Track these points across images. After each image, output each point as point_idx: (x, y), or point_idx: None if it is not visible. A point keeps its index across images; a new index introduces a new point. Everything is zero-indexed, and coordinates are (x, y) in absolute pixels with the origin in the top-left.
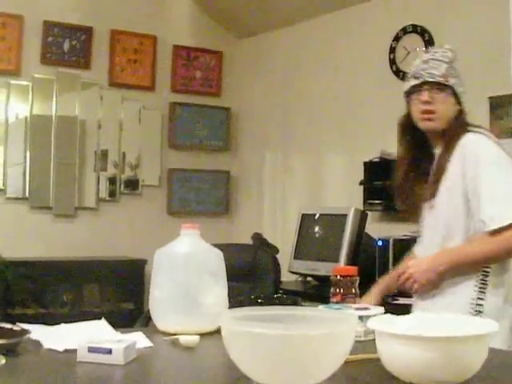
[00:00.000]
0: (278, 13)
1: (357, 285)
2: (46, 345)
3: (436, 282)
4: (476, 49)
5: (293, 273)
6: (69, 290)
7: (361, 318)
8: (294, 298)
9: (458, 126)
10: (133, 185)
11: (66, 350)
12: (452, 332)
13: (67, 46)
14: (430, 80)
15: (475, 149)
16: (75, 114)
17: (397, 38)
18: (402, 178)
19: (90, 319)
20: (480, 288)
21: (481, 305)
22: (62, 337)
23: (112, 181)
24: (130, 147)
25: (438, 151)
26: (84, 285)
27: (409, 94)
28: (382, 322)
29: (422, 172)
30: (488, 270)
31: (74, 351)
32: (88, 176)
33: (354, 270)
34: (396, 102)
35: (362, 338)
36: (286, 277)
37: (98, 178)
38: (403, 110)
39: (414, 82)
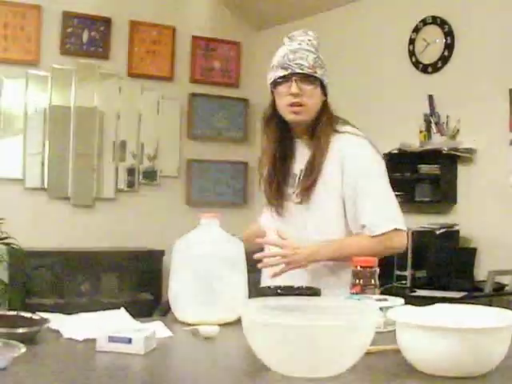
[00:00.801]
0: (297, 4)
1: (377, 276)
2: (66, 334)
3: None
4: (496, 41)
5: None
6: (87, 281)
7: (381, 309)
8: (315, 288)
9: (327, 121)
10: (151, 175)
11: (86, 340)
12: (475, 323)
13: (86, 37)
14: (299, 71)
15: (355, 155)
16: (94, 104)
17: (416, 30)
18: (270, 173)
19: (108, 309)
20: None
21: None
22: (81, 326)
23: (130, 171)
24: (148, 138)
25: (299, 141)
26: (102, 275)
27: (275, 84)
28: (403, 313)
29: (288, 165)
30: None
31: (94, 340)
32: (106, 167)
33: (374, 260)
34: (415, 93)
35: (382, 330)
36: None
37: (117, 168)
38: (423, 101)
39: (281, 72)
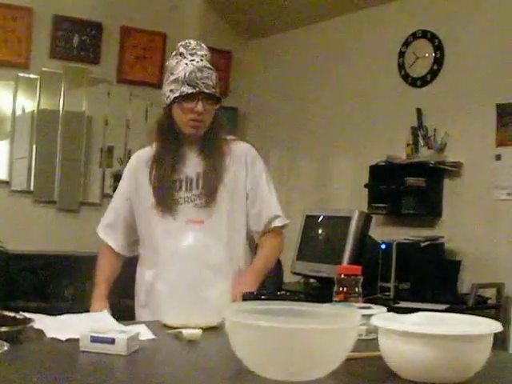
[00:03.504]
0: (287, 15)
1: (360, 284)
2: (49, 334)
3: None
4: (485, 56)
5: (295, 274)
6: (71, 285)
7: (363, 316)
8: (298, 295)
9: (219, 131)
10: None
11: (69, 340)
12: (456, 330)
13: (76, 41)
14: (206, 91)
15: (255, 158)
16: (82, 109)
17: (406, 43)
18: (161, 178)
19: None
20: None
21: None
22: (65, 326)
23: (117, 177)
24: (135, 144)
25: (188, 147)
26: (86, 280)
27: (179, 99)
28: (385, 320)
29: (176, 170)
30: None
31: (77, 340)
32: (93, 172)
33: (358, 269)
34: (404, 106)
35: (364, 337)
36: (289, 278)
37: (103, 174)
38: (411, 114)
39: (189, 89)
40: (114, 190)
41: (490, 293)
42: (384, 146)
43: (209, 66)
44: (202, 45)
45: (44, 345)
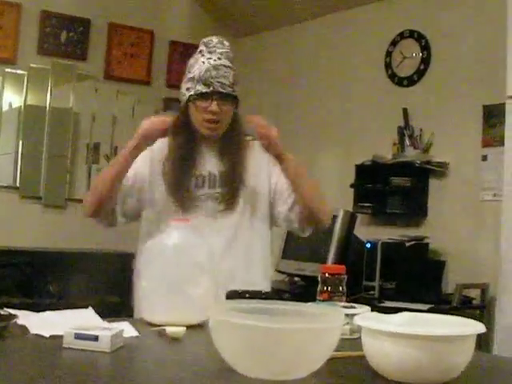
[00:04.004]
0: (275, 13)
1: (344, 283)
2: (33, 330)
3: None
4: (472, 56)
5: (280, 272)
6: (56, 281)
7: (347, 315)
8: (282, 295)
9: (239, 131)
10: None
11: (53, 336)
12: (439, 331)
13: (64, 37)
14: (221, 90)
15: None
16: (69, 105)
17: (394, 43)
18: (177, 174)
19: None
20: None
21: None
22: (48, 323)
23: None
24: (122, 141)
25: (205, 145)
26: (71, 276)
27: (193, 97)
28: (369, 319)
29: (193, 167)
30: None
31: (61, 337)
32: (79, 168)
33: (342, 268)
34: (390, 105)
35: (348, 336)
36: (274, 276)
37: (90, 170)
38: (398, 114)
39: (203, 88)
40: None
41: (474, 293)
42: (370, 145)
43: (227, 64)
44: (224, 42)
45: (28, 341)
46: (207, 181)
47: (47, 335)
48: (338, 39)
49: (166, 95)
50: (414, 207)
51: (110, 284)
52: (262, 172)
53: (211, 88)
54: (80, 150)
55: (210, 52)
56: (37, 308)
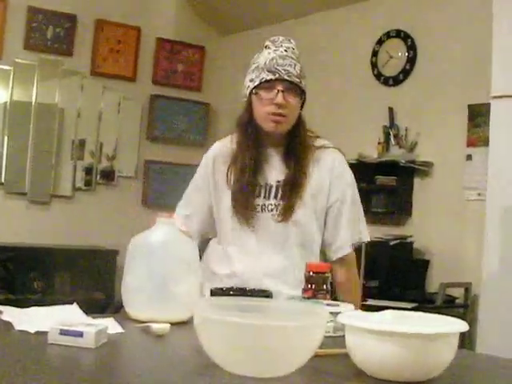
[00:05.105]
0: (262, 11)
1: (329, 282)
2: (18, 326)
3: None
4: (457, 57)
5: None
6: (40, 278)
7: (331, 313)
8: (267, 291)
9: (305, 135)
10: (109, 175)
11: (38, 332)
12: (422, 329)
13: (51, 33)
14: (287, 78)
15: (342, 173)
16: (55, 101)
17: (380, 42)
18: (240, 181)
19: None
20: None
21: None
22: (33, 319)
23: (88, 170)
24: (107, 137)
25: (272, 150)
26: (56, 273)
27: (257, 88)
28: (352, 317)
29: (257, 174)
30: None
31: (46, 333)
32: (64, 164)
33: (326, 266)
34: (376, 104)
35: (332, 334)
36: None
37: (75, 166)
38: (383, 113)
39: (268, 75)
40: (86, 184)
41: (458, 292)
42: (355, 144)
43: (293, 56)
44: (291, 40)
45: (12, 337)
46: (266, 191)
47: (32, 331)
48: (325, 38)
49: (151, 92)
50: (399, 206)
51: (94, 280)
52: (324, 184)
53: (277, 75)
54: (65, 146)
55: (276, 46)
56: (21, 304)
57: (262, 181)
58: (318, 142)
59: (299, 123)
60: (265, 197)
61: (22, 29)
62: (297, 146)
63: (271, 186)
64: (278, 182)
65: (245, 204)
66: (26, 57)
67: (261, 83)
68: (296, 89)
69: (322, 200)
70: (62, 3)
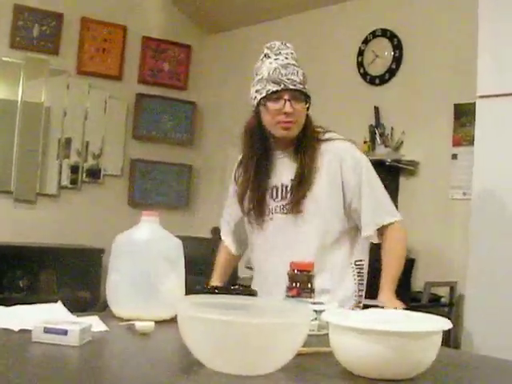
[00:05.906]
0: (248, 10)
1: (313, 280)
2: (1, 324)
3: None
4: (443, 56)
5: (249, 268)
6: (25, 276)
7: (316, 312)
8: (251, 289)
9: (312, 134)
10: (95, 174)
11: (22, 330)
12: (405, 327)
13: (37, 31)
14: (292, 87)
15: (354, 158)
16: (41, 100)
17: (366, 41)
18: (252, 187)
19: None
20: (359, 281)
21: (361, 295)
22: (17, 317)
23: (74, 169)
24: (93, 136)
25: (281, 153)
26: (41, 271)
27: (264, 99)
28: (337, 316)
29: (268, 178)
30: (362, 262)
31: (30, 331)
32: (50, 163)
33: (311, 265)
34: (362, 104)
35: (316, 332)
36: (243, 272)
37: (61, 165)
38: (369, 112)
39: (273, 87)
40: (72, 182)
41: (443, 291)
42: None
43: (294, 63)
44: (288, 44)
45: None
46: (280, 192)
47: (16, 329)
48: (311, 37)
49: (137, 91)
50: None
51: (79, 279)
52: (335, 175)
53: (282, 85)
54: (51, 144)
55: (275, 54)
56: (6, 302)
57: (271, 183)
58: (326, 136)
59: (307, 124)
60: (282, 198)
61: (7, 27)
62: (305, 145)
63: (283, 187)
64: (292, 181)
65: (258, 208)
66: (12, 55)
67: (267, 95)
68: (301, 95)
69: (337, 190)
70: (49, 2)
